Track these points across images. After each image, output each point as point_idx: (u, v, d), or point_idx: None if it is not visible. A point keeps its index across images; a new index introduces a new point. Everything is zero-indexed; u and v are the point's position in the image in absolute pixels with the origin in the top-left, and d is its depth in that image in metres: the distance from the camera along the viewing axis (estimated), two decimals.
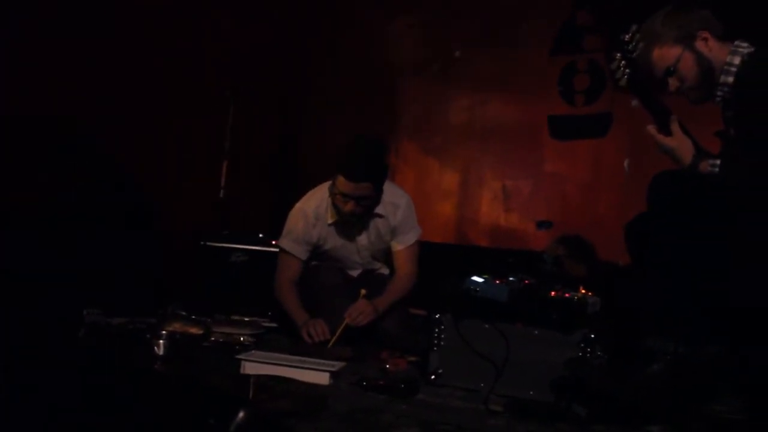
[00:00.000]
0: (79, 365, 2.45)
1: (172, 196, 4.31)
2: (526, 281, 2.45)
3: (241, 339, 2.92)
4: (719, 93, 2.40)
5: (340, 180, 3.00)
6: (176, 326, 2.90)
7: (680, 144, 2.33)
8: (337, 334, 2.93)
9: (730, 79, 2.35)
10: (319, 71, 5.46)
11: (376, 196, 3.13)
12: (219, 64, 4.68)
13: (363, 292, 3.11)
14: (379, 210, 3.20)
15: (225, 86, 4.43)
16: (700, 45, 2.39)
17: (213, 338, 2.93)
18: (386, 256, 3.41)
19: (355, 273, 3.42)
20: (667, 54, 2.42)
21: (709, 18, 2.43)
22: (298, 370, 2.30)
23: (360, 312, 3.02)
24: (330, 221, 3.23)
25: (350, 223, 3.19)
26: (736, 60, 2.34)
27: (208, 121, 4.55)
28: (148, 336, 2.67)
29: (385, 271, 3.47)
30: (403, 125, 5.28)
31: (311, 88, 5.49)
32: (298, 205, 3.30)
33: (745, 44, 2.36)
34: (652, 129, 2.38)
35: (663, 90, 2.46)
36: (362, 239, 3.29)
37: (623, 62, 2.42)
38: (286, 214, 3.34)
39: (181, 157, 4.46)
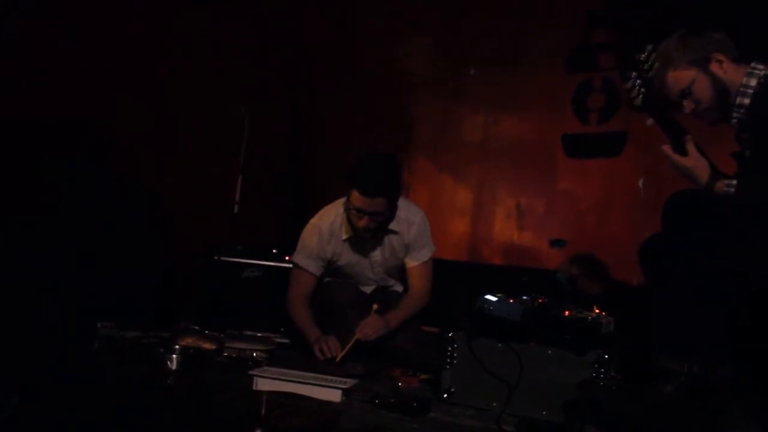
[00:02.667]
0: (92, 378, 2.46)
1: (186, 209, 4.32)
2: (540, 300, 2.45)
3: (254, 354, 2.93)
4: (735, 114, 2.40)
5: (354, 195, 3.02)
6: (189, 341, 2.90)
7: (696, 164, 2.33)
8: (347, 348, 2.93)
9: (747, 101, 2.35)
10: (334, 88, 5.48)
11: (390, 212, 3.14)
12: (235, 81, 4.71)
13: (375, 307, 3.12)
14: (393, 226, 3.21)
15: (240, 102, 4.46)
16: (714, 67, 2.40)
17: (226, 353, 2.94)
18: (400, 273, 3.41)
19: (368, 289, 3.43)
20: (681, 76, 2.42)
21: (723, 40, 2.44)
22: (311, 386, 2.30)
23: (370, 327, 3.02)
24: (344, 237, 3.24)
25: (364, 238, 3.20)
26: (753, 82, 2.34)
27: (222, 136, 4.58)
28: (161, 350, 2.68)
29: (399, 288, 3.47)
30: (418, 142, 5.28)
31: (325, 104, 5.51)
32: (312, 220, 3.32)
33: (761, 66, 2.37)
34: (667, 149, 2.38)
35: (678, 111, 2.46)
36: (376, 255, 3.30)
37: (638, 82, 2.43)
38: (299, 229, 3.35)
39: (195, 172, 4.48)
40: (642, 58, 2.42)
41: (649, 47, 2.44)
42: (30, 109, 3.48)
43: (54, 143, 3.60)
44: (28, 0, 3.56)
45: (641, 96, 2.43)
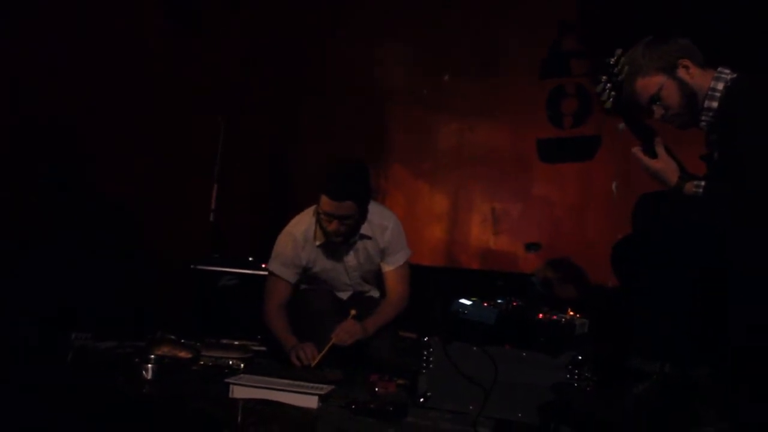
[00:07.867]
0: (67, 389, 2.44)
1: (162, 219, 4.29)
2: (515, 303, 2.46)
3: (230, 363, 2.91)
4: (704, 118, 2.44)
5: (324, 199, 3.03)
6: (165, 350, 2.88)
7: (665, 166, 2.36)
8: (323, 353, 2.93)
9: (715, 104, 2.39)
10: (309, 96, 5.48)
11: (360, 216, 3.14)
12: (211, 91, 4.69)
13: (353, 312, 3.12)
14: (366, 231, 3.21)
15: (217, 112, 4.44)
16: (681, 73, 2.44)
17: (202, 362, 2.92)
18: (377, 278, 3.41)
19: (345, 295, 3.42)
20: (649, 83, 2.46)
21: (689, 46, 2.48)
22: (287, 393, 2.30)
23: (347, 331, 3.02)
24: (318, 243, 3.23)
25: (337, 244, 3.20)
26: (720, 86, 2.39)
27: (199, 145, 4.56)
28: (136, 360, 2.65)
29: (376, 294, 3.47)
30: (393, 149, 5.30)
31: (301, 113, 5.52)
32: (286, 228, 3.31)
33: (727, 70, 2.41)
34: (637, 151, 2.41)
35: (649, 117, 2.50)
36: (351, 260, 3.30)
37: (608, 85, 2.46)
38: (275, 237, 3.34)
39: (171, 181, 4.46)
40: (612, 62, 2.45)
41: (619, 51, 2.47)
42: (5, 114, 3.45)
43: (31, 150, 3.57)
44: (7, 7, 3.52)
45: (611, 99, 2.46)
